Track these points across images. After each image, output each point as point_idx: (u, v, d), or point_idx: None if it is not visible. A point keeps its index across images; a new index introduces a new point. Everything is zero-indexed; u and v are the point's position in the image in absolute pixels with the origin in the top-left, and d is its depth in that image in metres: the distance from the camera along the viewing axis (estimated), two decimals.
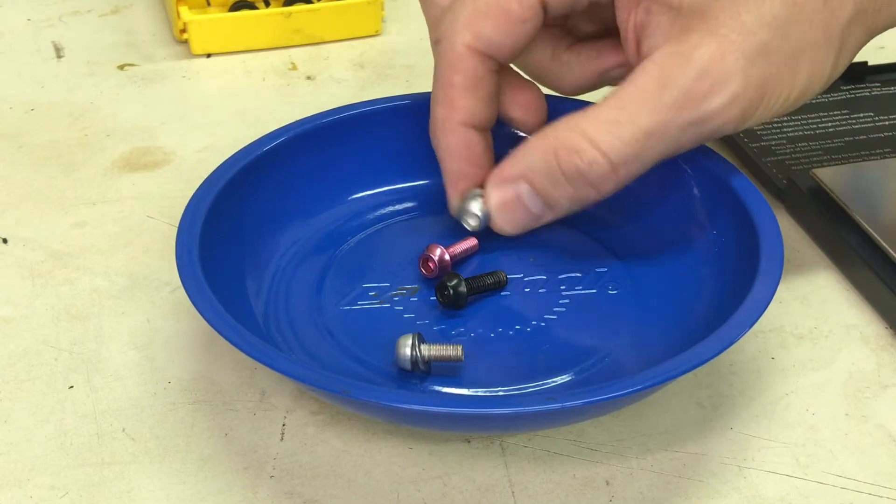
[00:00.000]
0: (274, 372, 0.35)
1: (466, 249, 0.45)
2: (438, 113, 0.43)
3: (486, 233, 0.46)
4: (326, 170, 0.47)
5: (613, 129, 0.38)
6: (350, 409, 0.39)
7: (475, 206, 0.43)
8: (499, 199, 0.42)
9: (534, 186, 0.41)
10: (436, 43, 0.43)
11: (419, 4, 0.45)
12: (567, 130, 0.39)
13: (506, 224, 0.42)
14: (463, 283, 0.42)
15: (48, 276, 0.47)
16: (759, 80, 0.38)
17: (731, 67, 0.38)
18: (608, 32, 0.44)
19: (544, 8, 0.41)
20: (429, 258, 0.44)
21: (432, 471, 0.38)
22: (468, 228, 0.44)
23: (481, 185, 0.43)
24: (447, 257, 0.44)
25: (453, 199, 0.44)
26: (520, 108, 0.45)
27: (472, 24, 0.41)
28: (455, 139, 0.43)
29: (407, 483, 0.38)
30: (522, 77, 0.45)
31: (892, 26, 0.42)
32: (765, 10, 0.38)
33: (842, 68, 0.41)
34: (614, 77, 0.45)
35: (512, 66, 0.45)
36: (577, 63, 0.44)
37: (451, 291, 0.42)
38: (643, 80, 0.39)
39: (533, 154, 0.40)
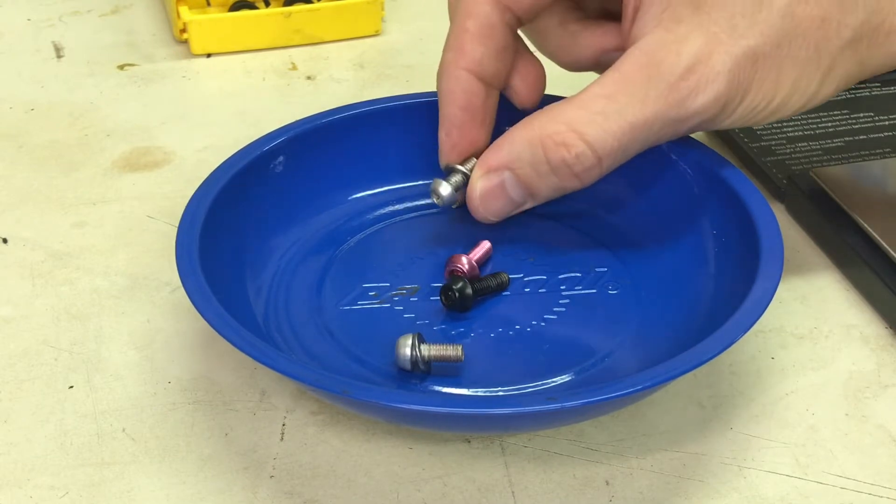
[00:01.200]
0: (274, 372, 0.35)
1: (485, 253, 0.45)
2: (446, 57, 0.43)
3: (488, 233, 0.46)
4: (326, 170, 0.47)
5: (601, 121, 0.39)
6: (350, 409, 0.39)
7: (443, 187, 0.43)
8: (483, 189, 0.42)
9: (518, 176, 0.41)
10: None
11: None
12: (553, 122, 0.40)
13: (488, 213, 0.42)
14: (468, 285, 0.42)
15: (48, 276, 0.47)
16: (742, 83, 0.39)
17: (718, 68, 0.38)
18: (615, 17, 0.45)
19: None
20: (456, 269, 0.44)
21: (432, 471, 0.38)
22: (435, 202, 0.44)
23: (469, 157, 0.43)
24: (475, 262, 0.44)
25: (444, 147, 0.44)
26: (519, 76, 0.45)
27: None
28: (457, 84, 0.42)
29: (407, 483, 0.38)
30: (529, 51, 0.45)
31: (886, 68, 0.41)
32: (760, 17, 0.38)
33: (826, 93, 0.40)
34: (612, 60, 0.45)
35: (521, 35, 0.45)
36: (583, 36, 0.44)
37: (458, 294, 0.42)
38: (629, 67, 0.39)
39: (519, 144, 0.40)
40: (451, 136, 0.43)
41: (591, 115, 0.39)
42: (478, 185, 0.42)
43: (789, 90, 0.39)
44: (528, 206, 0.42)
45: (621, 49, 0.44)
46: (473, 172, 0.42)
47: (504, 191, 0.41)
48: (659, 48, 0.39)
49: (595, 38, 0.44)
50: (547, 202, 0.43)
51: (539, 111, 0.41)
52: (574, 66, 0.46)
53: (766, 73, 0.39)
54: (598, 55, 0.45)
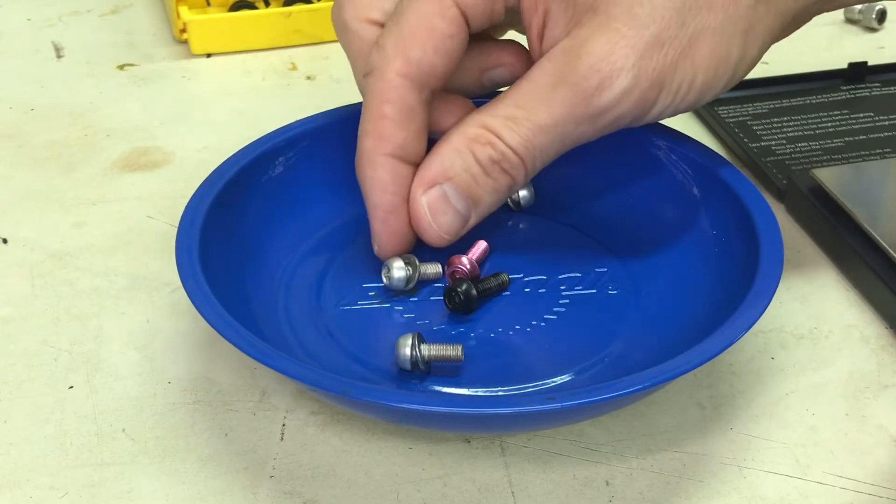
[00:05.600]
0: (274, 372, 0.36)
1: (483, 253, 0.45)
2: (367, 144, 0.41)
3: (486, 233, 0.46)
4: (326, 170, 0.47)
5: (511, 125, 0.39)
6: (350, 409, 0.39)
7: (397, 264, 0.43)
8: (428, 202, 0.41)
9: (457, 185, 0.40)
10: (365, 76, 0.41)
11: (340, 42, 0.44)
12: (472, 126, 0.40)
13: (440, 229, 0.41)
14: (472, 287, 0.42)
15: (48, 276, 0.47)
16: (654, 73, 0.39)
17: (620, 63, 0.38)
18: (491, 36, 0.45)
19: (467, 21, 0.41)
20: (457, 269, 0.44)
21: (432, 471, 0.38)
22: (387, 283, 0.43)
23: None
24: (476, 263, 0.44)
25: (382, 237, 0.42)
26: (454, 117, 0.43)
27: (400, 50, 0.40)
28: (384, 172, 0.41)
29: (407, 483, 0.38)
30: (454, 94, 0.44)
31: (808, 15, 0.42)
32: (658, 1, 0.38)
33: (752, 56, 0.40)
34: (496, 77, 0.44)
35: None
36: (464, 58, 0.43)
37: (462, 297, 0.42)
38: (537, 75, 0.39)
39: (448, 154, 0.40)
40: (388, 223, 0.42)
41: (502, 121, 0.39)
42: (422, 201, 0.41)
43: (709, 64, 0.39)
44: (473, 219, 0.42)
45: (503, 65, 0.44)
46: (413, 191, 0.41)
47: (448, 202, 0.41)
48: (562, 54, 0.39)
49: (475, 59, 0.44)
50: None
51: (458, 124, 0.41)
52: (459, 89, 0.44)
53: (679, 56, 0.39)
54: (480, 75, 0.44)
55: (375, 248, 0.43)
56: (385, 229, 0.42)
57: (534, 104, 0.39)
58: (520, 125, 0.39)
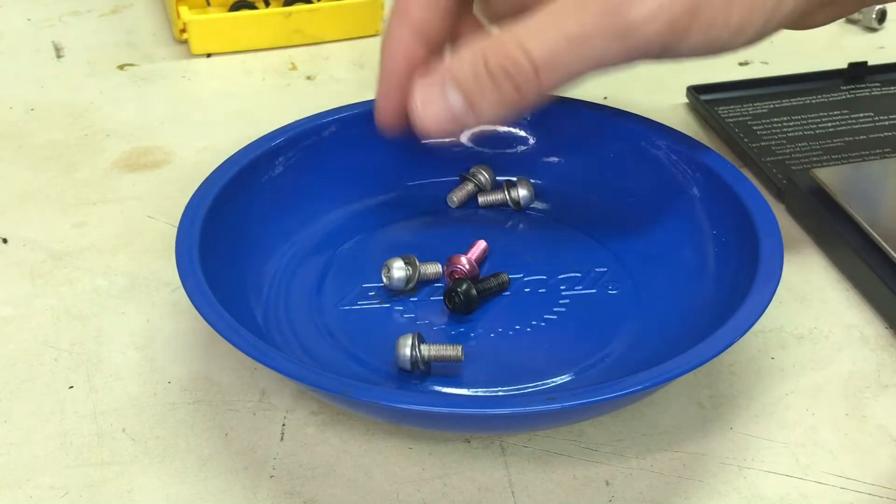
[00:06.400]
0: (274, 372, 0.36)
1: (482, 252, 0.45)
2: (392, 19, 0.43)
3: (487, 233, 0.46)
4: (326, 170, 0.47)
5: (539, 35, 0.39)
6: (350, 410, 0.39)
7: (397, 264, 0.43)
8: (422, 87, 0.41)
9: (458, 81, 0.40)
10: None
11: None
12: (501, 33, 0.40)
13: (427, 118, 0.41)
14: (472, 287, 0.42)
15: (48, 276, 0.47)
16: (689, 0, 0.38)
17: None
18: None
19: None
20: (456, 269, 0.44)
21: (432, 471, 0.38)
22: (387, 283, 0.43)
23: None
24: (475, 263, 0.44)
25: (378, 107, 0.44)
26: (463, 40, 0.43)
27: None
28: (399, 44, 0.43)
29: (407, 483, 0.38)
30: (472, 14, 0.45)
31: None
32: None
33: (786, 10, 0.40)
34: None
35: None
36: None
37: (462, 297, 0.42)
38: None
39: (462, 55, 0.41)
40: (388, 97, 0.43)
41: (531, 30, 0.39)
42: (418, 85, 0.41)
43: (744, 2, 0.39)
44: (469, 122, 0.41)
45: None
46: (416, 77, 0.42)
47: (443, 95, 0.41)
48: None
49: None
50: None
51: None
52: (495, 18, 0.45)
53: None
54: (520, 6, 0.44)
55: (376, 115, 0.44)
56: (383, 103, 0.44)
57: (566, 15, 0.39)
58: (547, 34, 0.39)
